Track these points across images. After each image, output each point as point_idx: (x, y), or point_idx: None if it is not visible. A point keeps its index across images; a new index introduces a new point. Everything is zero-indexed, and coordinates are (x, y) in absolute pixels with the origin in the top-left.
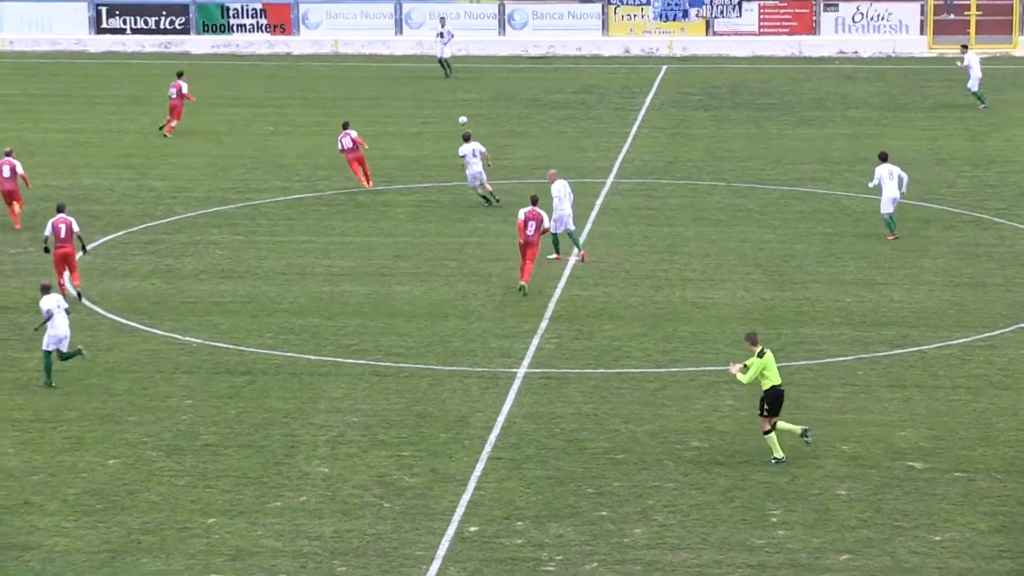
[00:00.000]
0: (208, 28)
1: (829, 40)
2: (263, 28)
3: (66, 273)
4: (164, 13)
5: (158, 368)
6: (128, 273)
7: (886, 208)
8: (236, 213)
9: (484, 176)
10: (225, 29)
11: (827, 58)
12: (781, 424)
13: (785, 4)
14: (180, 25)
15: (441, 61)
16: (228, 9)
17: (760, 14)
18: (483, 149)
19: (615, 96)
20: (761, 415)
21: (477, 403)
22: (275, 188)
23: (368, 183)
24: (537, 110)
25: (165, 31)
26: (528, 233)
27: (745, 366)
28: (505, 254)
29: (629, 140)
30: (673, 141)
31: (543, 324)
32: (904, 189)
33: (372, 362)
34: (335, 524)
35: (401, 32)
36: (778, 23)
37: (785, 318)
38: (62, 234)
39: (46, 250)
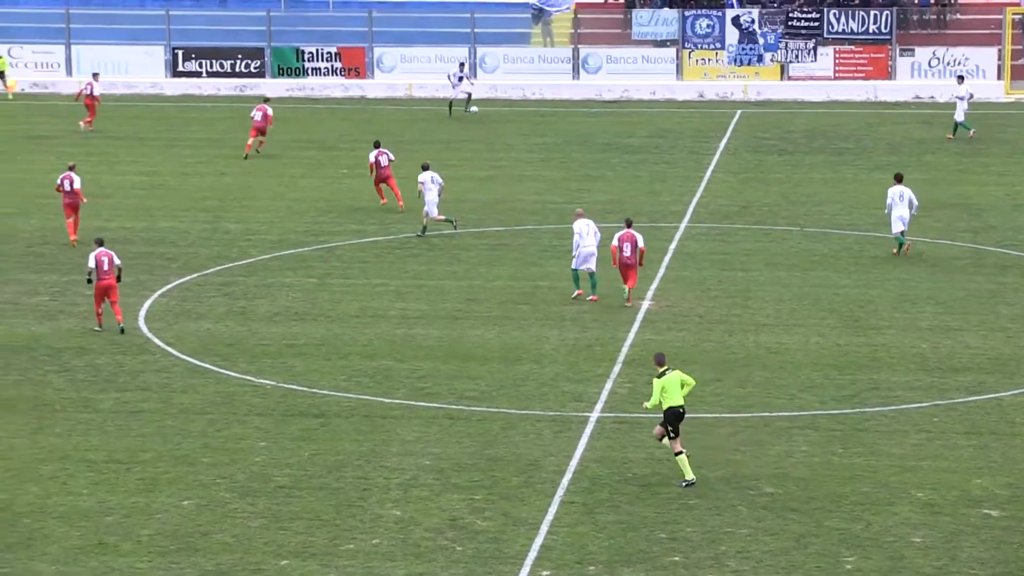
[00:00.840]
0: (283, 71)
1: (905, 85)
2: (338, 72)
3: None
4: (240, 56)
5: (232, 410)
6: (202, 315)
7: (896, 228)
8: (310, 255)
9: (437, 205)
10: (300, 72)
11: (903, 103)
12: (684, 460)
13: (861, 49)
14: (255, 68)
15: (452, 103)
16: (303, 52)
17: (836, 59)
18: (441, 180)
19: (689, 140)
20: (669, 437)
21: (550, 447)
22: (349, 231)
23: (400, 203)
24: (611, 154)
25: (240, 74)
26: (625, 255)
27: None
28: (578, 298)
29: (703, 184)
30: (747, 185)
31: (616, 368)
32: (914, 211)
33: (445, 405)
34: (407, 567)
35: (475, 76)
36: (853, 68)
37: (860, 364)
38: (104, 267)
39: (89, 282)
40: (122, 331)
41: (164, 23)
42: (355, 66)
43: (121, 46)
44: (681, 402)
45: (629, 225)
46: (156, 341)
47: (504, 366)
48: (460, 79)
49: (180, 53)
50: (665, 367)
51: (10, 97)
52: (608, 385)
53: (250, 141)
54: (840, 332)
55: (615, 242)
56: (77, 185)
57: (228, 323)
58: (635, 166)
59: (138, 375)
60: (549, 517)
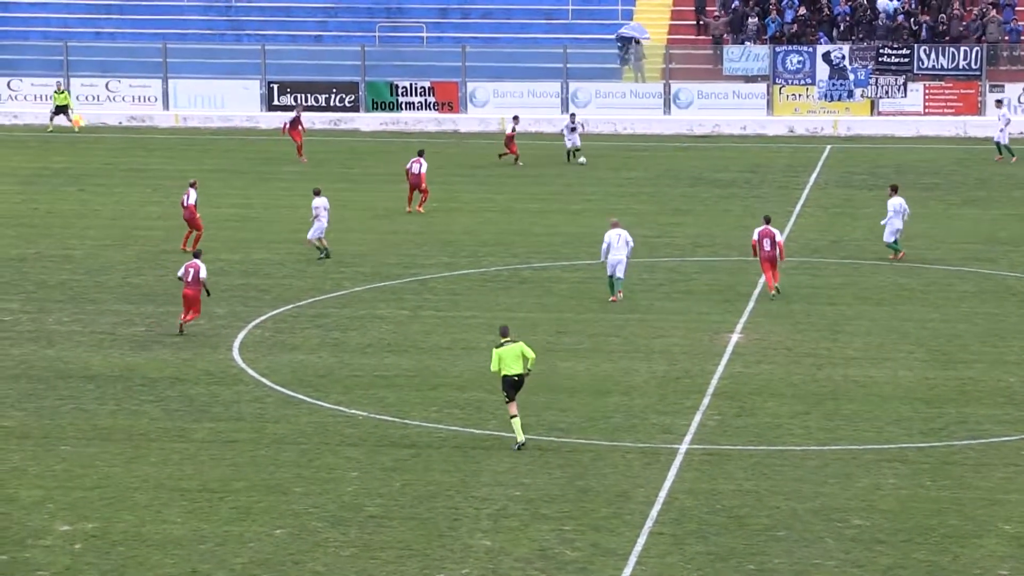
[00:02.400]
0: (377, 106)
1: (995, 121)
2: (431, 106)
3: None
4: (334, 91)
5: (324, 440)
6: (296, 346)
7: (889, 238)
8: (402, 288)
9: (323, 232)
10: (394, 107)
11: (992, 139)
12: (517, 423)
13: (950, 85)
14: (350, 103)
15: (570, 152)
16: (397, 87)
17: (925, 94)
18: (328, 206)
19: (779, 175)
20: (505, 401)
21: (638, 478)
22: (441, 264)
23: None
24: (701, 188)
25: (335, 108)
26: (765, 249)
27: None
28: (667, 331)
29: (793, 219)
30: (837, 220)
31: (705, 401)
32: (906, 218)
33: (535, 437)
34: None
35: (567, 110)
36: (943, 103)
37: (947, 397)
38: (189, 277)
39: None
40: (180, 332)
41: (260, 58)
42: (448, 100)
43: (217, 80)
44: (519, 371)
45: (768, 222)
46: (250, 372)
47: (594, 398)
48: (572, 129)
49: (276, 87)
50: (507, 338)
51: (76, 130)
52: (697, 417)
53: (410, 199)
54: (928, 366)
55: (754, 237)
56: (191, 200)
57: (321, 354)
58: (725, 200)
59: (232, 405)
60: (638, 548)
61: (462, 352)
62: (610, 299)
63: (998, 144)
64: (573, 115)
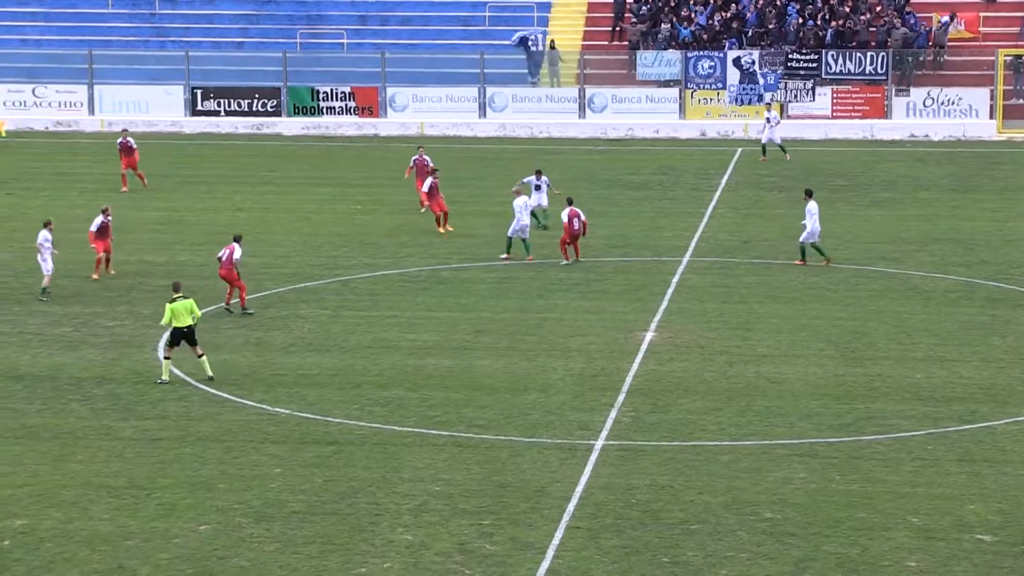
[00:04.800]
0: (299, 110)
1: (901, 124)
2: (351, 111)
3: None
4: (257, 96)
5: (248, 438)
6: (220, 345)
7: (809, 239)
8: (324, 288)
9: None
10: (315, 111)
11: (898, 141)
12: (204, 361)
13: (858, 89)
14: (272, 107)
15: (765, 145)
16: (318, 92)
17: (833, 98)
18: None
19: (691, 177)
20: (168, 345)
21: (556, 474)
22: (362, 264)
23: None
24: (615, 190)
25: (257, 113)
26: (574, 228)
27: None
28: (583, 330)
29: (705, 220)
30: (748, 221)
31: (620, 398)
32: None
33: (454, 433)
34: None
35: (484, 115)
36: (851, 107)
37: (857, 393)
38: (225, 257)
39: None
40: (230, 311)
41: (184, 63)
42: (368, 105)
43: (142, 85)
44: (188, 323)
45: (571, 203)
46: (175, 371)
47: (512, 395)
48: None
49: (199, 92)
50: (179, 294)
51: (2, 135)
52: (612, 414)
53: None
54: (838, 363)
55: (564, 218)
56: (237, 255)
57: (245, 353)
58: (639, 202)
59: (157, 404)
60: (555, 542)
61: (383, 351)
62: (504, 256)
63: (764, 146)
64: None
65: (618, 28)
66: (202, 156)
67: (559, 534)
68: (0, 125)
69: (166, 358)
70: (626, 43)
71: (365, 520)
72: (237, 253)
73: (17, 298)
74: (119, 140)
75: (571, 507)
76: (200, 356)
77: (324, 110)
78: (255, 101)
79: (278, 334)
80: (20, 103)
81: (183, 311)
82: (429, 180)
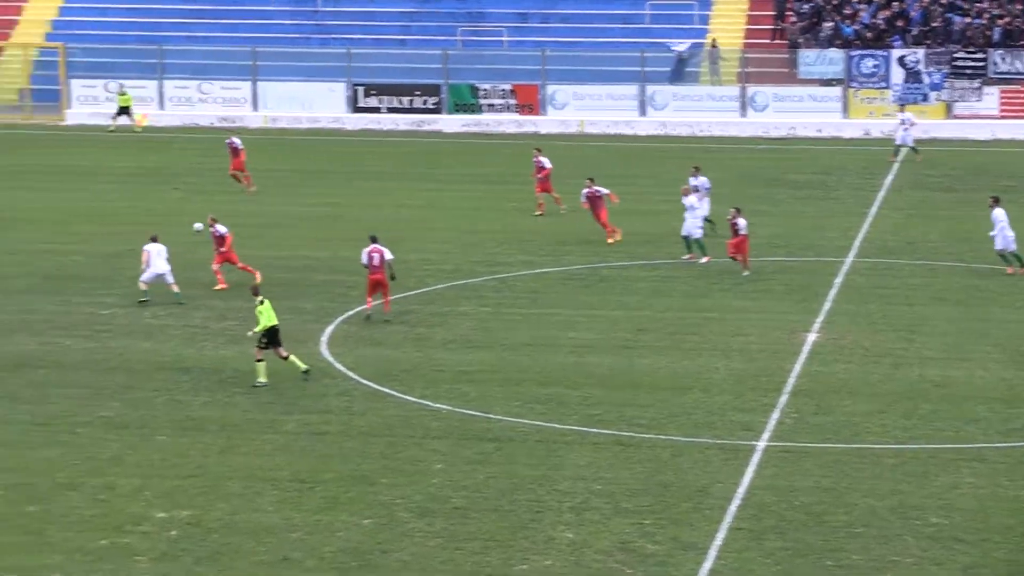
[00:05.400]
0: (459, 108)
1: None
2: (511, 108)
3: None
4: (418, 93)
5: (410, 433)
6: (381, 342)
7: (1008, 246)
8: (483, 286)
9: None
10: (475, 109)
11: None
12: (293, 358)
13: None
14: (433, 105)
15: (899, 146)
16: (478, 90)
17: (1001, 98)
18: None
19: (855, 177)
20: (257, 347)
21: (718, 474)
22: (520, 262)
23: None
24: (777, 190)
25: (418, 110)
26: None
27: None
28: (745, 330)
29: (868, 220)
30: (912, 222)
31: (783, 399)
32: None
33: (616, 432)
34: None
35: (644, 114)
36: (1019, 106)
37: None
38: (375, 262)
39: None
40: (387, 320)
41: (346, 60)
42: (529, 103)
43: (305, 82)
44: (274, 322)
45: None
46: (337, 366)
47: (673, 395)
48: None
49: (361, 90)
50: (261, 296)
51: (139, 130)
52: (775, 415)
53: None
54: (1006, 366)
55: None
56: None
57: (406, 349)
58: (801, 202)
59: (321, 398)
60: (717, 542)
61: (543, 348)
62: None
63: (900, 146)
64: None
65: (779, 27)
66: (363, 153)
67: (721, 535)
68: (141, 119)
69: (259, 360)
70: (786, 42)
71: (526, 517)
72: (388, 254)
73: (184, 292)
74: (227, 140)
75: (733, 508)
76: (285, 358)
77: (484, 107)
78: (416, 98)
79: (439, 331)
80: (186, 99)
81: (270, 311)
82: (584, 191)
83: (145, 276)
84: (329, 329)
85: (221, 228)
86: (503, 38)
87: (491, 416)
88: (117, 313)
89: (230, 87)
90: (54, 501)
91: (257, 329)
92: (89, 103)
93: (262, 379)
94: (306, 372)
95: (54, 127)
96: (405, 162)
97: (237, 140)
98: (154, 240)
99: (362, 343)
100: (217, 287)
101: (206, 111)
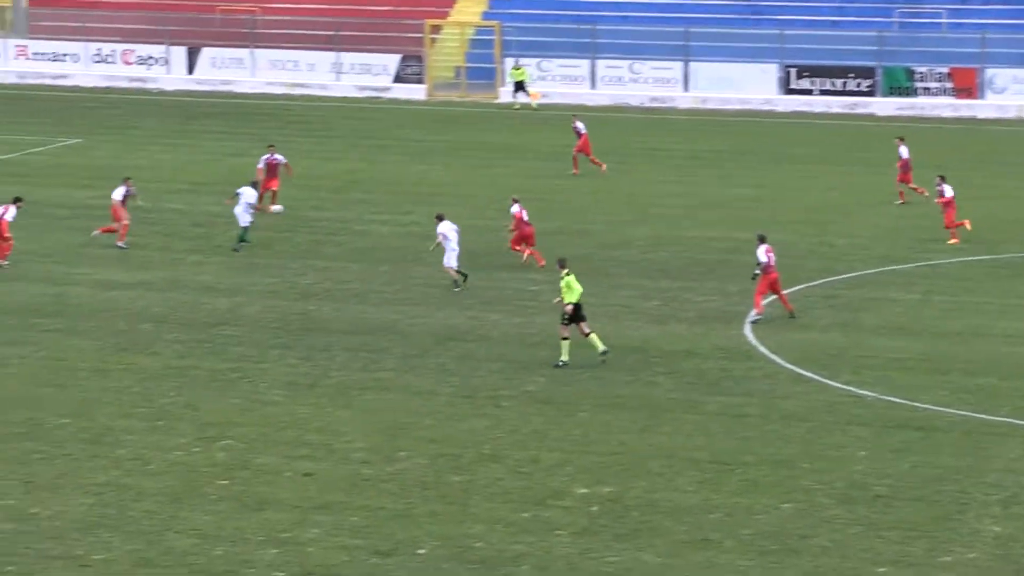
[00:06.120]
0: (894, 91)
1: None
2: (948, 92)
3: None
4: (851, 75)
5: (833, 419)
6: (807, 326)
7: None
8: (914, 272)
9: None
10: (910, 92)
11: None
12: (593, 338)
13: None
14: (866, 87)
15: None
16: (914, 72)
17: None
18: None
19: None
20: (561, 323)
21: None
22: (951, 249)
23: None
24: None
25: (851, 93)
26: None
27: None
28: None
29: None
30: None
31: None
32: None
33: None
34: None
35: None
36: None
37: None
38: (772, 261)
39: (754, 277)
40: (792, 316)
41: (778, 42)
42: (966, 86)
43: (736, 63)
44: (576, 299)
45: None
46: (761, 349)
47: None
48: None
49: (793, 71)
50: (566, 270)
51: (534, 106)
52: None
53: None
54: None
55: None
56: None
57: (832, 334)
58: None
59: (743, 380)
60: None
61: (973, 337)
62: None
63: None
64: None
65: None
66: (792, 135)
67: None
68: (535, 96)
69: (564, 338)
70: None
71: (951, 508)
72: (769, 257)
73: (607, 271)
74: (572, 124)
75: None
76: (588, 335)
77: (920, 91)
78: (849, 81)
79: (867, 316)
80: (617, 79)
81: (573, 285)
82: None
83: (447, 260)
84: (754, 312)
85: None
86: (942, 20)
87: (917, 404)
88: (544, 289)
89: (661, 67)
90: (478, 472)
91: (568, 300)
92: None
93: (564, 358)
94: (604, 353)
95: (487, 105)
96: (835, 145)
97: (580, 124)
98: (440, 219)
99: (787, 327)
100: None
101: (636, 91)
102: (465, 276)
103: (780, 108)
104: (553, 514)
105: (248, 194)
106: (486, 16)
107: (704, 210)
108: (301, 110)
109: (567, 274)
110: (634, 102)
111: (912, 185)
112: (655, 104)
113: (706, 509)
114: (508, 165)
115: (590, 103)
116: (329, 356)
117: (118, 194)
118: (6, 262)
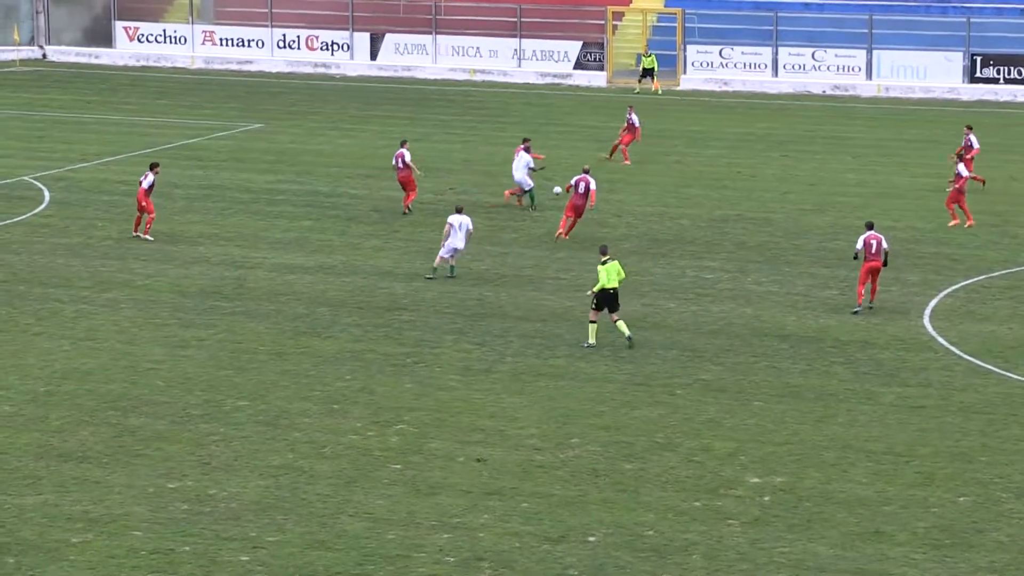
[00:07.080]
0: None
1: None
2: None
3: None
4: None
5: (1012, 411)
6: (986, 317)
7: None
8: None
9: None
10: None
11: None
12: (620, 324)
13: None
14: None
15: None
16: None
17: None
18: (470, 227)
19: None
20: (591, 307)
21: None
22: None
23: None
24: None
25: None
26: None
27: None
28: None
29: None
30: None
31: None
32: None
33: None
34: None
35: None
36: None
37: None
38: (872, 249)
39: (855, 258)
40: (870, 307)
41: (965, 30)
42: None
43: (921, 52)
44: (614, 285)
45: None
46: (940, 340)
47: None
48: None
49: (979, 60)
50: (607, 256)
51: (658, 92)
52: None
53: None
54: None
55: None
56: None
57: (1012, 326)
58: None
59: (920, 371)
60: None
61: None
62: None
63: None
64: None
65: None
66: (977, 124)
67: None
68: (656, 86)
69: (592, 322)
70: None
71: None
72: (885, 244)
73: (787, 259)
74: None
75: None
76: (616, 321)
77: None
78: None
79: None
80: (799, 67)
81: (611, 272)
82: None
83: (444, 251)
84: (933, 302)
85: None
86: None
87: None
88: (722, 277)
89: (844, 55)
90: (650, 460)
91: (596, 288)
92: (703, 69)
93: (591, 340)
94: (630, 339)
95: (668, 92)
96: (1019, 135)
97: (635, 116)
98: (459, 211)
99: (966, 318)
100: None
101: (819, 79)
102: (453, 273)
103: (964, 97)
104: (725, 503)
105: (524, 158)
106: (668, 3)
107: (885, 199)
108: (482, 96)
109: (607, 260)
110: (816, 90)
111: None
112: (837, 92)
113: (880, 501)
114: (692, 153)
115: (771, 91)
116: (504, 342)
117: (146, 182)
118: (150, 237)
